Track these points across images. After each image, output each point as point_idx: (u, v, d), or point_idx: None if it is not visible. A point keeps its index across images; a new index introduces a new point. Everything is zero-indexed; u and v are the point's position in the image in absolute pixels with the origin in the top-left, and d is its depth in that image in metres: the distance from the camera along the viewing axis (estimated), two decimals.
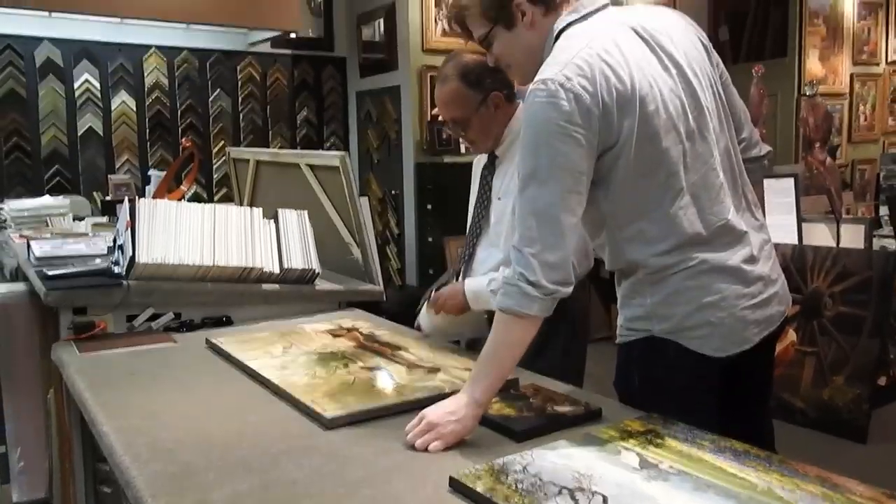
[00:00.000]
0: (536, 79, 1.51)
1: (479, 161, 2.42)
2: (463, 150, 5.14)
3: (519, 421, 1.53)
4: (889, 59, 8.10)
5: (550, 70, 1.50)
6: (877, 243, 4.21)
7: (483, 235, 2.35)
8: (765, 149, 1.84)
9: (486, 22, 1.68)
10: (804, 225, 4.11)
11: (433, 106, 5.02)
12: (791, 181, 4.02)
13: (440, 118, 2.32)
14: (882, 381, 4.04)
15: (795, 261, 3.92)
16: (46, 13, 4.54)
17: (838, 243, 4.07)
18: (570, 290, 1.50)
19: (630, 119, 1.50)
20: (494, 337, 1.52)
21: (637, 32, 1.59)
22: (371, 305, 2.62)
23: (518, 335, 1.51)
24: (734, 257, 1.59)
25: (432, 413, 1.47)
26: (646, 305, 1.62)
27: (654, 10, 1.73)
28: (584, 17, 1.62)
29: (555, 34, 1.62)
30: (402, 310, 2.55)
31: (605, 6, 1.65)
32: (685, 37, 1.65)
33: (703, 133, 1.59)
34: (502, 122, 2.26)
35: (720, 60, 1.74)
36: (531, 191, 1.49)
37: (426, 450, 1.42)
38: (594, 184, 1.55)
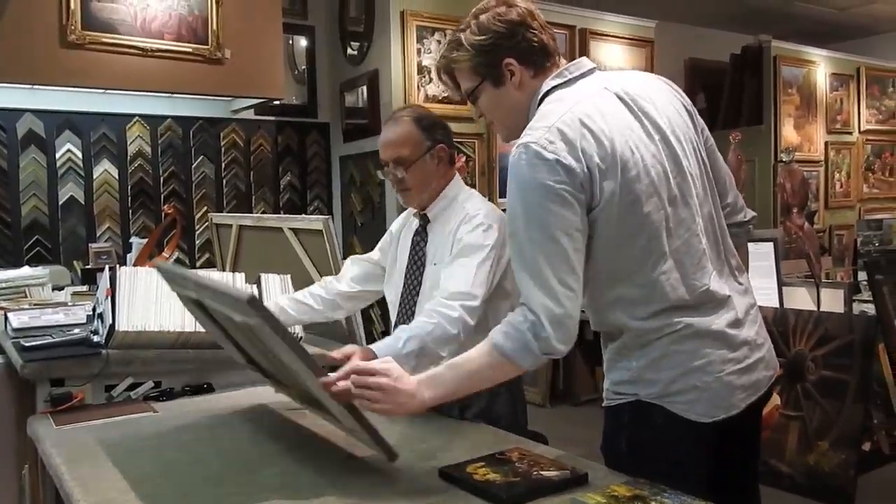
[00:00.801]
0: (519, 142, 1.52)
1: (407, 227, 2.38)
2: None
3: (504, 487, 1.50)
4: (862, 129, 8.29)
5: (533, 134, 1.51)
6: (856, 307, 4.23)
7: (417, 306, 2.24)
8: (749, 213, 1.85)
9: (475, 77, 1.69)
10: (784, 289, 4.13)
11: None
12: (770, 245, 4.06)
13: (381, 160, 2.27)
14: (866, 446, 4.02)
15: (777, 323, 3.93)
16: (29, 85, 4.56)
17: (819, 307, 4.09)
18: (567, 350, 1.51)
19: (611, 183, 1.51)
20: (477, 366, 1.54)
21: (620, 98, 1.60)
22: None
23: (500, 376, 1.56)
24: (718, 321, 1.59)
25: (386, 381, 1.54)
26: (632, 369, 1.61)
27: (639, 76, 1.75)
28: (570, 82, 1.64)
29: (539, 96, 1.64)
30: None
31: (590, 71, 1.68)
32: (669, 103, 1.67)
33: (685, 199, 1.59)
34: (440, 181, 2.26)
35: (705, 126, 1.75)
36: (526, 252, 1.51)
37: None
38: None
